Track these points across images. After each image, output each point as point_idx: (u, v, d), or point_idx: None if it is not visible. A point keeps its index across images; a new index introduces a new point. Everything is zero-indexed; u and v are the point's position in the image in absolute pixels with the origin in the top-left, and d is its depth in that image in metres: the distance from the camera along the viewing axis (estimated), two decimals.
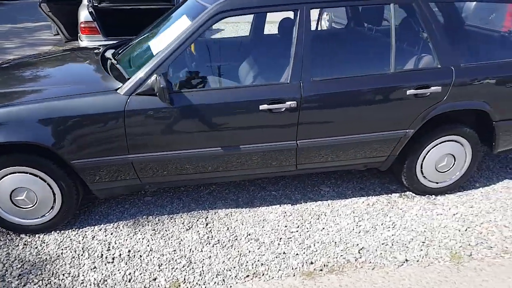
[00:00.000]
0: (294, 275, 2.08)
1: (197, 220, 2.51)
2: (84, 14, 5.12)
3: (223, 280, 2.05)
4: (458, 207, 2.62)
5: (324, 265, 2.14)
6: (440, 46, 2.37)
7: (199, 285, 2.02)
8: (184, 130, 2.21)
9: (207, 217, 2.55)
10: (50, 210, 2.32)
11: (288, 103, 2.23)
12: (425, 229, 2.41)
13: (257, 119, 2.26)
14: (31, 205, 2.28)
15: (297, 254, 2.23)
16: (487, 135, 2.64)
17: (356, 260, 2.18)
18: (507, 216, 2.51)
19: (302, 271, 2.11)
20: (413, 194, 2.76)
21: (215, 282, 2.03)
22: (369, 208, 2.62)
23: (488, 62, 2.47)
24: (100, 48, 2.92)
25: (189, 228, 2.44)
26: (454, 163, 2.64)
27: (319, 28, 3.64)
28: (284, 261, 2.18)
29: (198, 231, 2.41)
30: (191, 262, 2.16)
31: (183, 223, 2.48)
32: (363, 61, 2.51)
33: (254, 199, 2.73)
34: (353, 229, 2.42)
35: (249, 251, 2.24)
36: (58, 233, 2.39)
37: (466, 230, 2.40)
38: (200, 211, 2.60)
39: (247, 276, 2.08)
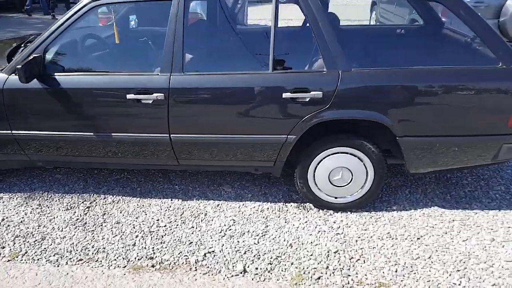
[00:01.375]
0: (124, 267, 2.09)
1: (82, 202, 2.63)
2: None
3: (57, 259, 2.14)
4: (350, 227, 2.37)
5: (160, 263, 2.12)
6: (328, 47, 2.16)
7: (33, 259, 2.14)
8: (56, 112, 2.34)
9: (94, 200, 2.65)
10: None
11: (155, 94, 2.23)
12: (292, 244, 2.24)
13: (127, 108, 2.30)
14: None
15: (145, 247, 2.23)
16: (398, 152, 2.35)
17: (196, 262, 2.12)
18: (398, 246, 2.22)
19: (134, 264, 2.11)
20: (312, 207, 2.56)
21: (47, 260, 2.14)
22: (255, 214, 2.50)
23: (389, 68, 2.19)
24: None
25: (69, 208, 2.57)
26: (351, 179, 2.40)
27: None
28: (126, 252, 2.20)
29: (75, 212, 2.53)
30: (44, 239, 2.29)
31: (68, 203, 2.62)
32: (243, 58, 2.39)
33: (153, 190, 2.77)
34: (220, 232, 2.34)
35: (103, 238, 2.30)
36: None
37: (336, 252, 2.17)
38: (93, 194, 2.72)
39: (80, 260, 2.14)
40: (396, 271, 2.04)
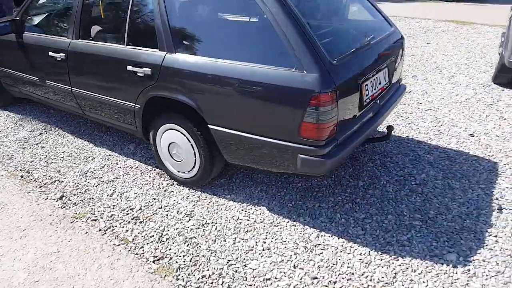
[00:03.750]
0: (8, 172, 2.98)
1: (42, 129, 3.66)
2: None
3: None
4: (170, 198, 2.66)
5: (28, 176, 2.93)
6: (161, 30, 2.46)
7: None
8: (19, 58, 3.37)
9: (50, 130, 3.66)
10: None
11: (60, 54, 3.01)
12: (114, 193, 2.71)
13: (50, 62, 3.14)
14: None
15: (33, 165, 3.07)
16: None
17: (44, 184, 2.84)
18: (182, 222, 2.43)
19: (14, 172, 2.98)
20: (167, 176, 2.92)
21: None
22: (123, 168, 3.03)
23: (202, 57, 2.32)
24: None
25: (31, 131, 3.63)
26: (183, 156, 2.66)
27: None
28: (20, 164, 3.08)
29: (31, 133, 3.58)
30: None
31: (34, 127, 3.69)
32: (117, 32, 2.81)
33: (90, 134, 3.58)
34: (84, 172, 2.98)
35: (23, 153, 3.26)
36: None
37: (132, 209, 2.55)
38: (54, 126, 3.72)
39: None
40: (150, 236, 2.31)
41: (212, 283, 1.99)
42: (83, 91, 3.01)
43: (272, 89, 2.09)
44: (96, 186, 2.81)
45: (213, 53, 2.30)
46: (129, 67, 2.59)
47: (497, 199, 2.60)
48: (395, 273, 2.03)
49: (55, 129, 3.68)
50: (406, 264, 2.09)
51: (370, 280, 1.99)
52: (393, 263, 2.10)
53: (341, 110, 2.11)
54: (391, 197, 2.63)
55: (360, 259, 2.12)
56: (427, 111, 4.08)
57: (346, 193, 2.67)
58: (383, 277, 2.01)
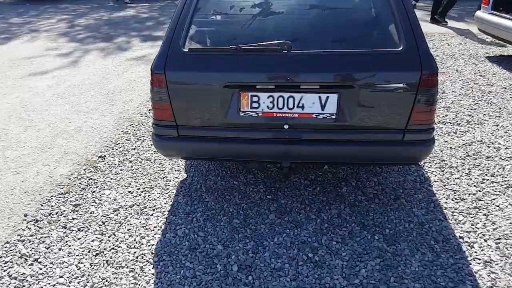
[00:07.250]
0: None
1: None
2: None
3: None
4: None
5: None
6: None
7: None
8: None
9: None
10: None
11: None
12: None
13: None
14: None
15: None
16: None
17: None
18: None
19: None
20: None
21: None
22: None
23: None
24: None
25: None
26: None
27: None
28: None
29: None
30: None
31: None
32: None
33: None
34: None
35: None
36: None
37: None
38: None
39: None
40: (128, 146, 3.00)
41: (86, 187, 2.54)
42: None
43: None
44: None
45: None
46: None
47: None
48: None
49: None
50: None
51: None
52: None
53: (181, 100, 2.01)
54: (302, 240, 2.01)
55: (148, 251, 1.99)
56: None
57: (283, 212, 2.29)
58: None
